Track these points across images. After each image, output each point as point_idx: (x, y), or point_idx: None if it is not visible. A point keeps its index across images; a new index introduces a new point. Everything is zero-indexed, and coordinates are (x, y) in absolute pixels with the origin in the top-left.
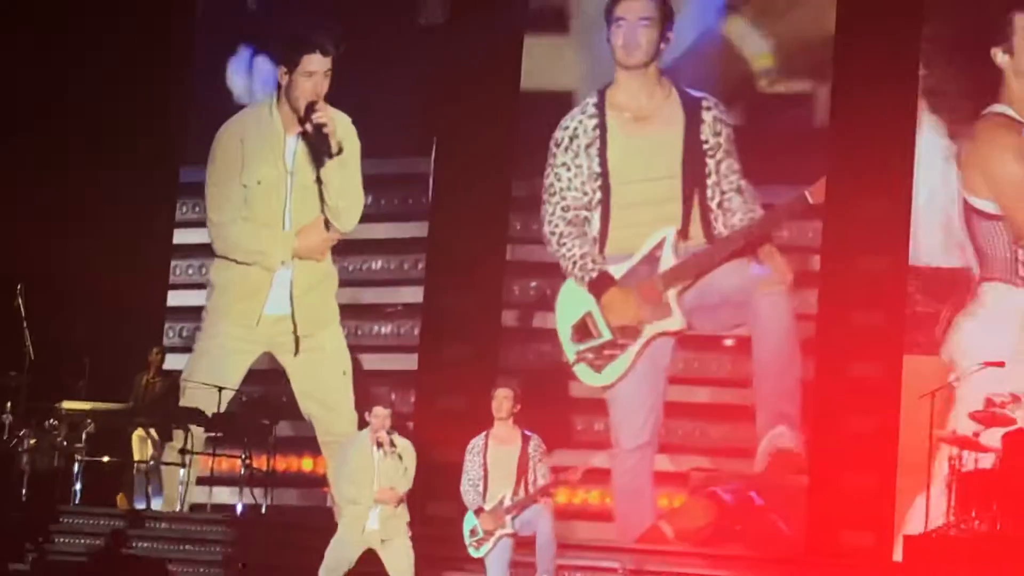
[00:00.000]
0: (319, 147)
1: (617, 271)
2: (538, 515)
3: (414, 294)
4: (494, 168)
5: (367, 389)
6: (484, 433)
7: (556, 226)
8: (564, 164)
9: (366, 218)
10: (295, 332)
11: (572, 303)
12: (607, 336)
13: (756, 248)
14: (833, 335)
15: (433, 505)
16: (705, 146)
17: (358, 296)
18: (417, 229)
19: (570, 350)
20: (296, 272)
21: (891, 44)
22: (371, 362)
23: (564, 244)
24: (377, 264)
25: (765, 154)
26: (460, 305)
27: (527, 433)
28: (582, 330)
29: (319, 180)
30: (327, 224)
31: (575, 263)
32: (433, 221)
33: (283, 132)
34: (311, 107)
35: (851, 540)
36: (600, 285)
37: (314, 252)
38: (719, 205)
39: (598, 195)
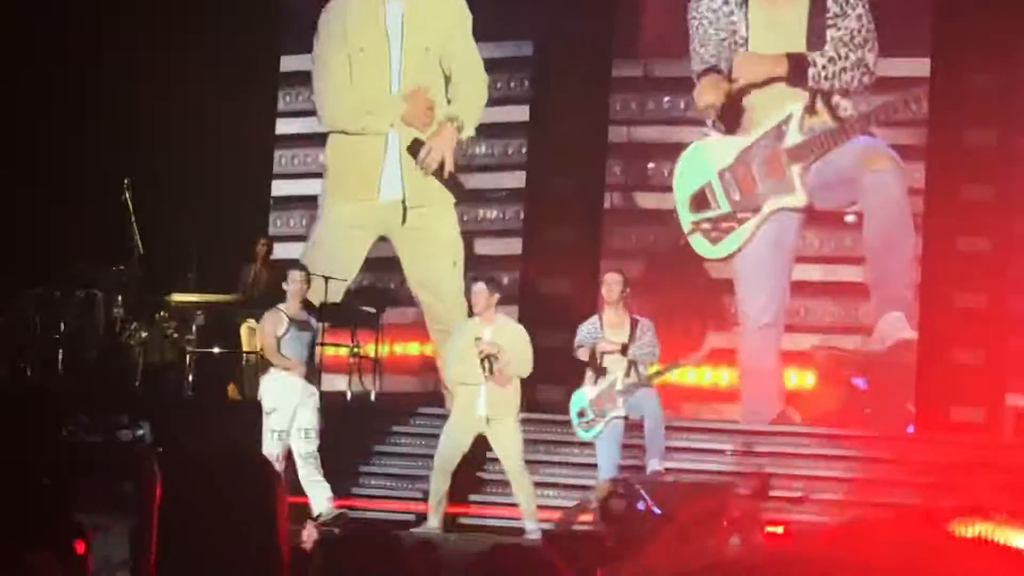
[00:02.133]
0: None
1: (741, 144)
2: (646, 398)
3: (517, 179)
4: (596, 49)
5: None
6: (595, 316)
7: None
8: (711, 10)
9: None
10: (403, 201)
11: (692, 172)
12: (725, 208)
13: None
14: (941, 210)
15: (541, 389)
16: (829, 19)
17: (463, 182)
18: (520, 113)
19: (686, 220)
20: (404, 139)
21: None
22: (477, 247)
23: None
24: (481, 149)
25: (886, 25)
26: (563, 188)
27: (635, 317)
28: (700, 200)
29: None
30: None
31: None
32: (535, 104)
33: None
34: None
35: (960, 416)
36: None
37: (418, 119)
38: (843, 81)
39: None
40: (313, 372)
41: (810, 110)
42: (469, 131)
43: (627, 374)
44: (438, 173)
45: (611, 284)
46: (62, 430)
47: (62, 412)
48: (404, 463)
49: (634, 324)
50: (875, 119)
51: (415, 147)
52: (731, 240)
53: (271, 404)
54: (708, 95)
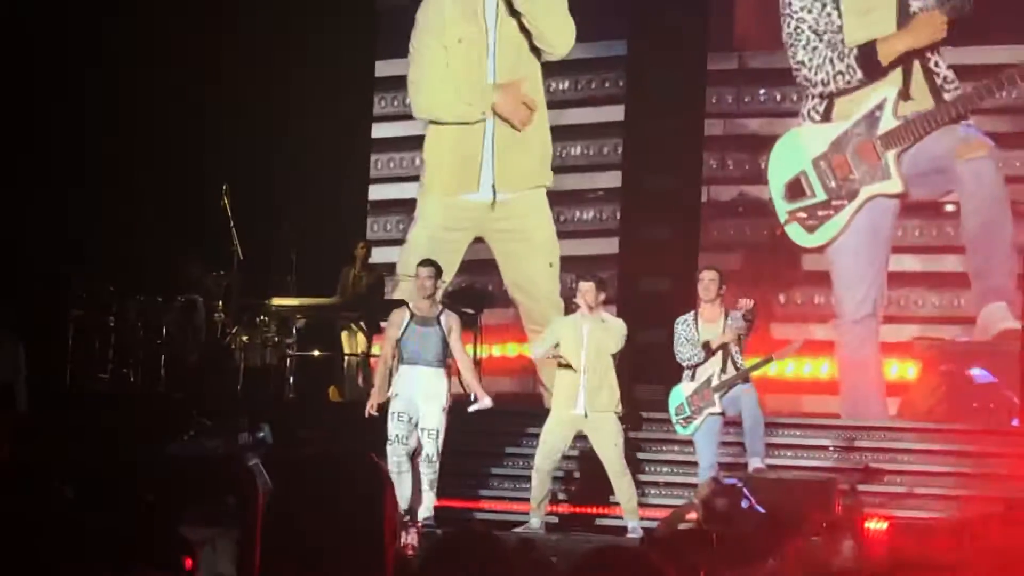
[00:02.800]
0: None
1: (835, 131)
2: (743, 395)
3: (613, 178)
4: (689, 44)
5: (570, 273)
6: (692, 312)
7: (813, 47)
8: (805, 7)
9: (563, 104)
10: (493, 185)
11: (787, 161)
12: (821, 196)
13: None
14: None
15: (639, 387)
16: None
17: (559, 183)
18: (614, 113)
19: (782, 209)
20: (498, 129)
21: None
22: (573, 247)
23: (810, 58)
24: (576, 150)
25: (988, 9)
26: (659, 186)
27: (730, 310)
28: (795, 189)
29: (516, 13)
30: (537, 53)
31: (828, 68)
32: (629, 103)
33: None
34: None
35: None
36: (867, 53)
37: (512, 113)
38: (937, 65)
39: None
40: (443, 371)
41: (904, 95)
42: (557, 52)
43: (723, 369)
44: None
45: (707, 281)
46: (183, 435)
47: (181, 417)
48: (507, 463)
49: (727, 319)
50: (971, 101)
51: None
52: (828, 228)
53: (395, 390)
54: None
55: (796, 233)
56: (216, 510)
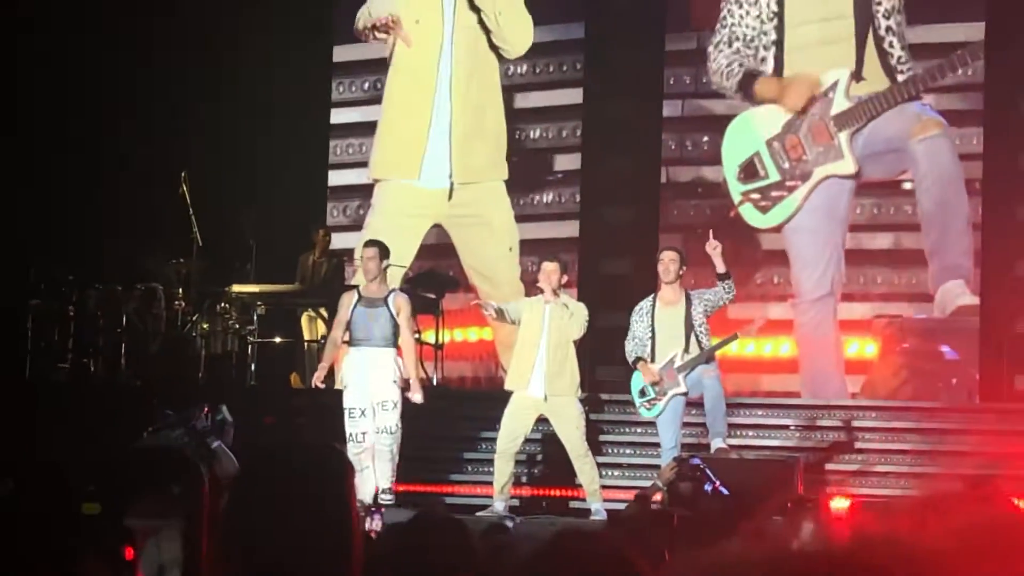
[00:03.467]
0: None
1: (788, 113)
2: (705, 376)
3: (572, 161)
4: (648, 25)
5: (531, 257)
6: (651, 296)
7: (717, 47)
8: (737, 1)
9: (522, 87)
10: (450, 176)
11: (740, 142)
12: (775, 177)
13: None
14: (999, 177)
15: (601, 369)
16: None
17: (518, 166)
18: (573, 96)
19: (736, 190)
20: (455, 120)
21: None
22: (533, 231)
23: (715, 60)
24: (535, 133)
25: None
26: (619, 168)
27: (690, 292)
28: (749, 170)
29: (476, 8)
30: (495, 50)
31: (721, 73)
32: (588, 86)
33: None
34: None
35: None
36: (748, 81)
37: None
38: (892, 45)
39: (773, 35)
40: (392, 351)
41: (856, 76)
42: (514, 51)
43: (686, 349)
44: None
45: (667, 262)
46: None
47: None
48: (469, 447)
49: (689, 300)
50: (923, 82)
51: None
52: (781, 209)
53: (345, 379)
54: (794, 96)
55: (750, 214)
56: (161, 500)
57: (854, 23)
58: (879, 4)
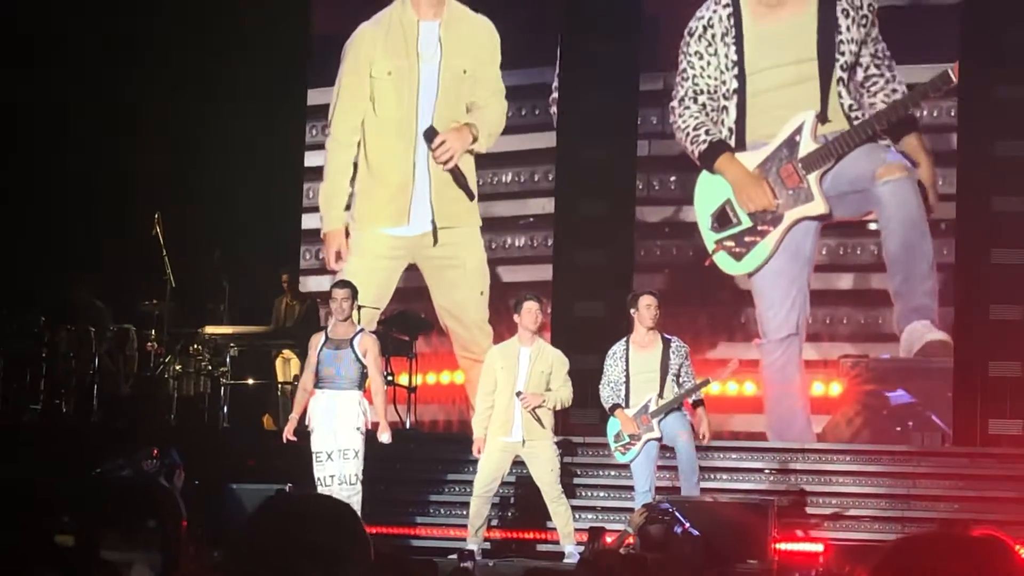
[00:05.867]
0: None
1: (756, 157)
2: (676, 430)
3: (545, 205)
4: (620, 68)
5: (504, 301)
6: (624, 339)
7: (682, 103)
8: (697, 53)
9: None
10: (432, 221)
11: (711, 192)
12: (747, 223)
13: (895, 132)
14: (973, 219)
15: (575, 412)
16: (842, 25)
17: (490, 210)
18: (545, 140)
19: (709, 239)
20: (434, 165)
21: None
22: (506, 274)
23: (682, 116)
24: (508, 177)
25: (903, 32)
26: (592, 211)
27: (667, 336)
28: (722, 218)
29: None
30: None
31: (687, 135)
32: (561, 129)
33: (417, 19)
34: None
35: (999, 429)
36: (710, 155)
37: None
38: (861, 85)
39: (734, 84)
40: (358, 394)
41: (822, 118)
42: (481, 147)
43: (660, 394)
44: (452, 172)
45: (653, 308)
46: (94, 469)
47: (96, 451)
48: (436, 490)
49: (666, 344)
50: (883, 118)
51: (430, 134)
52: (755, 255)
53: (312, 423)
54: (756, 193)
55: (724, 262)
56: (135, 533)
57: (817, 65)
58: (842, 46)
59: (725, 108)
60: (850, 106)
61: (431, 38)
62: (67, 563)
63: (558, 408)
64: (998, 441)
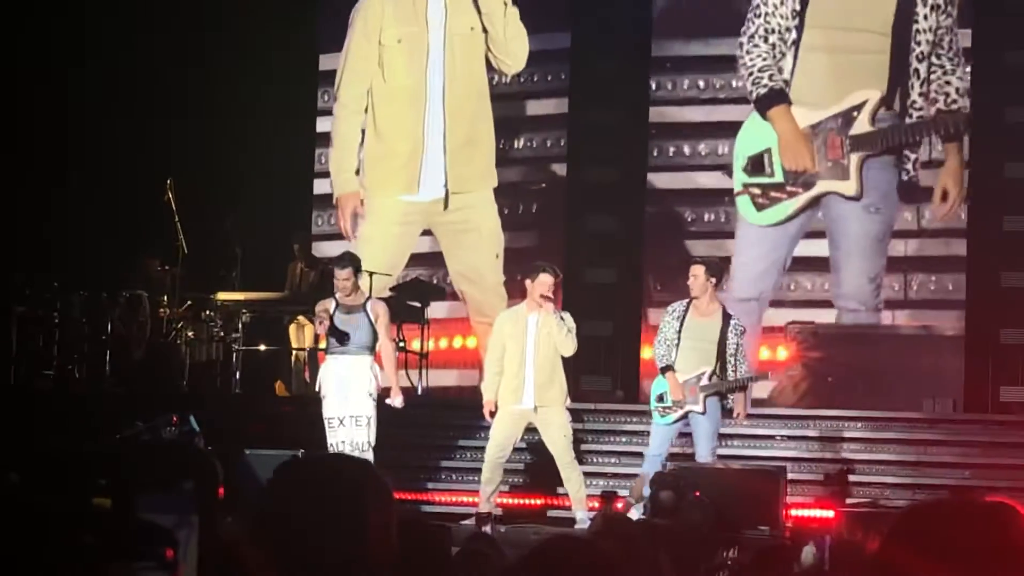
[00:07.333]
0: None
1: (809, 117)
2: (703, 425)
3: (557, 171)
4: (634, 33)
5: (517, 266)
6: (687, 300)
7: (752, 39)
8: None
9: (507, 97)
10: (445, 185)
11: (755, 135)
12: (779, 178)
13: (947, 138)
14: (986, 184)
15: (586, 379)
16: (923, 4)
17: (503, 175)
18: (558, 106)
19: (739, 179)
20: (449, 130)
21: None
22: (518, 240)
23: (749, 54)
24: (520, 143)
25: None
26: (604, 177)
27: (728, 312)
28: (757, 164)
29: (481, 23)
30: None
31: (751, 74)
32: (573, 95)
33: None
34: None
35: (1010, 396)
36: (767, 102)
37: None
38: (927, 81)
39: (794, 34)
40: (369, 358)
41: (886, 102)
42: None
43: (715, 371)
44: None
45: (693, 276)
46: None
47: (109, 417)
48: (447, 456)
49: (726, 320)
50: (946, 125)
51: None
52: (777, 210)
53: (322, 390)
54: (801, 153)
55: (745, 206)
56: (172, 495)
57: (891, 43)
58: (918, 35)
59: (784, 55)
60: (912, 102)
61: (438, 4)
62: (105, 526)
63: (565, 334)
64: (1009, 408)
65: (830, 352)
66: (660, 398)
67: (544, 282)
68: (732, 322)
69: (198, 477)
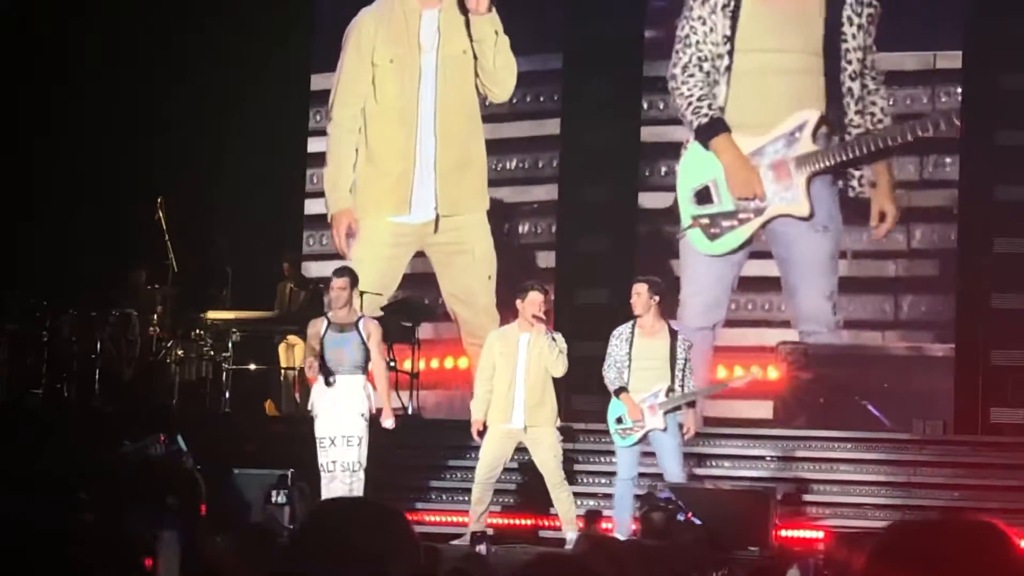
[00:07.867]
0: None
1: (751, 143)
2: (664, 443)
3: (549, 192)
4: (625, 55)
5: (507, 287)
6: (631, 322)
7: (686, 69)
8: (700, 18)
9: (499, 118)
10: (435, 208)
11: (698, 166)
12: (728, 207)
13: (892, 152)
14: (975, 208)
15: (577, 399)
16: (850, 24)
17: (495, 195)
18: (550, 127)
19: (686, 213)
20: (439, 152)
21: None
22: (510, 261)
23: (686, 84)
24: (512, 163)
25: (908, 18)
26: (596, 197)
27: (674, 328)
28: (703, 195)
29: (472, 49)
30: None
31: (689, 104)
32: (565, 116)
33: (419, 8)
34: None
35: (1000, 417)
36: (709, 131)
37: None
38: (862, 89)
39: (726, 60)
40: (362, 378)
41: (826, 120)
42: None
43: (671, 388)
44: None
45: (633, 296)
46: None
47: (97, 436)
48: (436, 476)
49: (674, 336)
50: (894, 137)
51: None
52: (729, 239)
53: (314, 409)
54: (749, 180)
55: (697, 239)
56: (157, 511)
57: (823, 63)
58: (848, 54)
59: (718, 83)
60: (850, 120)
61: (431, 28)
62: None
63: (556, 355)
64: (1000, 429)
65: (820, 372)
66: (619, 420)
67: (534, 300)
68: (680, 338)
69: (182, 493)
